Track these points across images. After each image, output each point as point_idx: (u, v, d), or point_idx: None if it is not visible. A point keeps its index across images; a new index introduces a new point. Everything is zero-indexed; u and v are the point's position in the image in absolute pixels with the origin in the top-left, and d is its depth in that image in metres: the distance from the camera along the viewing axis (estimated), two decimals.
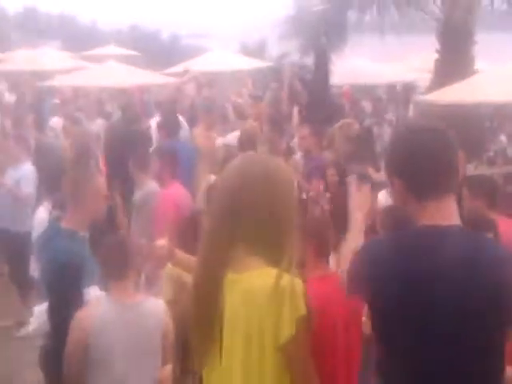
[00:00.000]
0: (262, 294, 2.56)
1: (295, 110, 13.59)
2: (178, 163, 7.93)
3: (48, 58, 21.48)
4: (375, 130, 13.88)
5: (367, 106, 16.56)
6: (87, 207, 4.95)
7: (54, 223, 5.48)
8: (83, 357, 4.40)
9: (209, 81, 16.66)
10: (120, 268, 4.49)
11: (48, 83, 17.27)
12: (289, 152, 9.68)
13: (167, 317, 4.40)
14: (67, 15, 46.90)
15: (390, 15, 15.89)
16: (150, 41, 40.51)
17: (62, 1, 47.47)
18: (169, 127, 10.10)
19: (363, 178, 3.63)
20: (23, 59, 21.37)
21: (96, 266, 4.91)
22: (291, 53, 20.14)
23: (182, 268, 4.07)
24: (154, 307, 4.51)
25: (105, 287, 4.76)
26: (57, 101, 15.44)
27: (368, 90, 18.64)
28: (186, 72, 17.33)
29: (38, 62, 20.52)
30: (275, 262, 2.61)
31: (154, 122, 11.83)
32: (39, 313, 5.02)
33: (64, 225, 5.02)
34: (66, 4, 47.92)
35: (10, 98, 16.80)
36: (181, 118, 11.32)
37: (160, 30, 45.35)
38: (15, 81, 18.76)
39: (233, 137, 10.24)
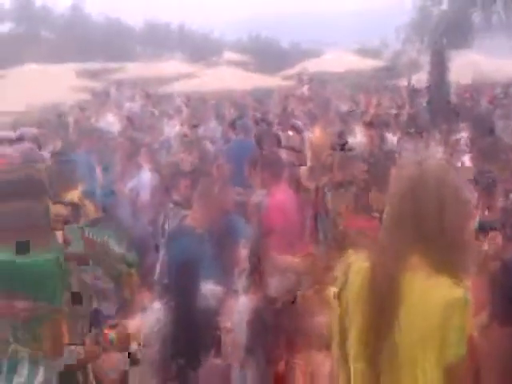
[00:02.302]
0: (439, 302, 2.53)
1: None
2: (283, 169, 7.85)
3: (166, 65, 22.05)
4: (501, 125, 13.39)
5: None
6: (209, 210, 5.26)
7: (180, 221, 5.83)
8: None
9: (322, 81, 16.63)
10: None
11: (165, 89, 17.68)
12: None
13: None
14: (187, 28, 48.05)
15: None
16: (268, 48, 40.88)
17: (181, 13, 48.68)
18: None
19: None
20: (141, 68, 22.01)
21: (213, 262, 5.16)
22: (408, 52, 19.87)
23: None
24: None
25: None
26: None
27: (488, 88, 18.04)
28: (300, 74, 17.44)
29: (155, 70, 21.08)
30: (448, 275, 2.59)
31: None
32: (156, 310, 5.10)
33: (187, 222, 5.37)
34: (185, 15, 49.08)
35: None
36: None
37: (280, 38, 45.74)
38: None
39: None
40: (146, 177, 8.82)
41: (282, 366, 3.91)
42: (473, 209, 2.81)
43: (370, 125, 10.67)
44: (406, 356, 2.58)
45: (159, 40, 42.97)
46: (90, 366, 3.64)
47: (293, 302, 4.02)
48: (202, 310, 4.90)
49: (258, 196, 7.78)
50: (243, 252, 4.99)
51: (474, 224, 2.91)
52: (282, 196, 7.20)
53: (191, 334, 4.87)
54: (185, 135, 11.48)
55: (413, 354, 2.56)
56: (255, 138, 10.78)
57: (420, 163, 2.77)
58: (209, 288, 4.95)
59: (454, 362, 2.51)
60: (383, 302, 2.63)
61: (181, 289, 4.95)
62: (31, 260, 3.41)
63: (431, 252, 2.61)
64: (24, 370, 3.44)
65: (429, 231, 2.61)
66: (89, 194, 7.40)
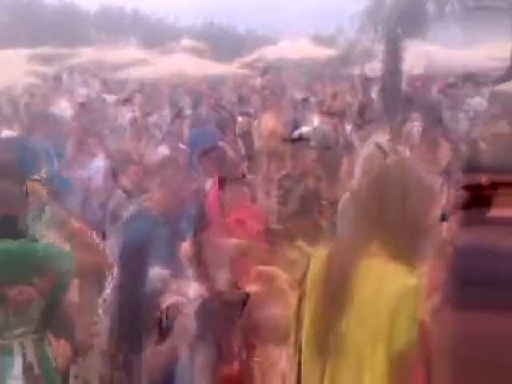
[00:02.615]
0: (392, 291, 2.57)
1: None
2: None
3: (121, 51, 21.84)
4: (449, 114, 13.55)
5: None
6: (170, 195, 5.19)
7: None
8: None
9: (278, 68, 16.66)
10: None
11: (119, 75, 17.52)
12: None
13: None
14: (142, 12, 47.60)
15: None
16: (223, 34, 40.80)
17: None
18: None
19: None
20: (97, 54, 21.77)
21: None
22: (362, 41, 19.97)
23: None
24: None
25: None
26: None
27: (441, 78, 18.23)
28: (255, 62, 17.42)
29: (111, 56, 20.86)
30: (405, 262, 2.64)
31: None
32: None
33: (143, 204, 5.34)
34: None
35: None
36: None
37: (235, 24, 45.68)
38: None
39: None
40: (97, 163, 8.80)
41: (235, 366, 3.87)
42: (437, 195, 2.85)
43: (332, 114, 10.74)
44: (353, 351, 2.63)
45: (113, 24, 42.55)
46: None
47: (244, 304, 3.93)
48: (147, 292, 4.86)
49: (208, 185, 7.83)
50: (187, 243, 5.01)
51: (438, 210, 2.96)
52: None
53: (135, 316, 4.85)
54: (135, 121, 11.47)
55: (361, 351, 2.61)
56: (217, 125, 10.82)
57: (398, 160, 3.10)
58: (155, 271, 4.90)
59: (404, 349, 2.55)
60: (336, 290, 2.68)
61: (129, 271, 4.89)
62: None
63: (391, 239, 2.67)
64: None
65: (391, 217, 2.68)
66: (48, 181, 7.37)
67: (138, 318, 4.87)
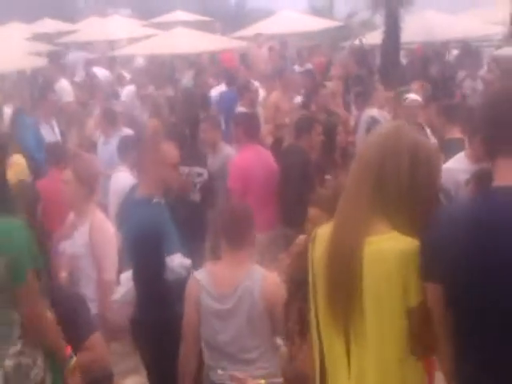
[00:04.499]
0: (391, 256, 2.61)
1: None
2: (255, 128, 7.86)
3: (117, 26, 21.73)
4: (468, 83, 13.61)
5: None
6: (155, 174, 5.05)
7: (130, 192, 5.72)
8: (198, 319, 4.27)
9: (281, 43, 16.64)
10: (236, 237, 4.27)
11: (120, 52, 17.50)
12: None
13: (278, 287, 4.10)
14: None
15: None
16: (217, 4, 40.37)
17: None
18: None
19: None
20: (94, 29, 21.69)
21: (176, 232, 5.04)
22: (360, 11, 19.85)
23: None
24: (263, 277, 4.22)
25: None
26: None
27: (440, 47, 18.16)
28: (257, 36, 17.39)
29: (108, 32, 20.79)
30: (406, 230, 2.65)
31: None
32: (125, 280, 5.16)
33: (140, 192, 5.17)
34: None
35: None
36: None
37: None
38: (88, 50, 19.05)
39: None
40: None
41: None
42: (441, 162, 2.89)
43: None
44: (373, 330, 2.65)
45: None
46: None
47: None
48: (172, 282, 4.84)
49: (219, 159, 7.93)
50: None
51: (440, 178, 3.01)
52: (247, 155, 7.36)
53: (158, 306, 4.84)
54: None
55: (381, 328, 2.64)
56: (238, 90, 10.97)
57: (394, 124, 2.89)
58: (176, 261, 4.89)
59: (418, 305, 2.60)
60: (344, 275, 2.68)
61: (144, 263, 4.89)
62: None
63: (394, 213, 2.66)
64: None
65: (398, 190, 2.66)
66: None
67: (164, 307, 4.83)
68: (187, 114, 9.44)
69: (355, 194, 2.76)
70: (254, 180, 7.16)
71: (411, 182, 2.67)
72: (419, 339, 2.64)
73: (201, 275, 4.30)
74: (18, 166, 7.25)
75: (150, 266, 4.88)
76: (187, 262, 4.94)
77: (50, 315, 3.53)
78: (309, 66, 15.76)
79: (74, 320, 3.86)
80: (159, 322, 4.82)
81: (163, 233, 4.88)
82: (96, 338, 4.02)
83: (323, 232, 2.85)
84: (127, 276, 5.14)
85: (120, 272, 5.32)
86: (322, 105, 9.84)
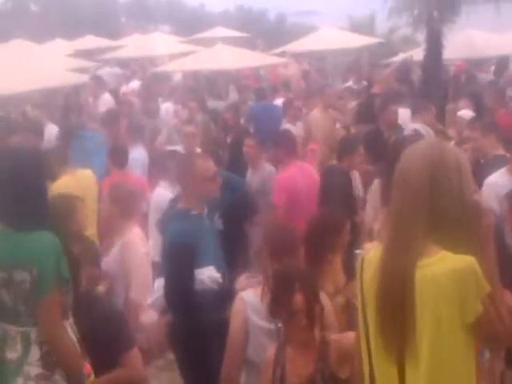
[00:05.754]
0: (444, 278, 2.57)
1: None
2: (295, 145, 7.89)
3: (159, 43, 21.92)
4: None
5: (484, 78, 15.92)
6: (194, 188, 5.08)
7: (171, 204, 5.77)
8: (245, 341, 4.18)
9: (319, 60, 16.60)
10: (285, 254, 4.19)
11: (161, 68, 17.61)
12: None
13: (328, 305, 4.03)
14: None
15: None
16: (257, 21, 40.65)
17: None
18: None
19: None
20: (135, 46, 21.90)
21: (213, 245, 5.09)
22: (401, 28, 19.72)
23: None
24: None
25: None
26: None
27: (482, 64, 17.98)
28: (283, 54, 17.44)
29: (149, 48, 20.98)
30: (459, 248, 2.61)
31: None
32: (158, 287, 5.20)
33: (179, 205, 5.23)
34: None
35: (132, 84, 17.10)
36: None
37: (267, 10, 45.41)
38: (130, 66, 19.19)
39: None
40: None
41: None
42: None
43: None
44: (429, 354, 2.60)
45: (148, 13, 42.58)
46: None
47: None
48: (200, 293, 4.89)
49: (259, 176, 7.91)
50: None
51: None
52: (291, 172, 7.40)
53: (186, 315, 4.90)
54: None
55: (439, 354, 2.60)
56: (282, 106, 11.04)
57: (435, 142, 2.82)
58: (206, 274, 4.93)
59: (474, 321, 2.57)
60: (395, 301, 2.63)
61: (174, 274, 4.94)
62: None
63: (447, 232, 2.62)
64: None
65: (451, 207, 2.63)
66: None
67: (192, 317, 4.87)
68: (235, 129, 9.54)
69: (409, 219, 2.67)
70: (298, 196, 7.22)
71: (460, 196, 2.64)
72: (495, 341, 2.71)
73: (248, 295, 4.24)
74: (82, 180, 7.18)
75: (177, 276, 4.93)
76: (217, 275, 4.98)
77: (70, 335, 3.54)
78: (350, 83, 15.69)
79: (111, 335, 3.89)
80: (185, 329, 4.91)
81: (195, 245, 4.91)
82: (133, 355, 4.04)
83: (372, 256, 2.79)
84: (160, 283, 5.18)
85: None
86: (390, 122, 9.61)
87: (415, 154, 2.74)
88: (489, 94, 11.60)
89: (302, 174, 7.49)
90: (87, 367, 3.62)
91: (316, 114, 10.91)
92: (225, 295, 4.71)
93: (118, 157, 7.79)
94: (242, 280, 4.65)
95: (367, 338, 2.80)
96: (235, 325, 4.18)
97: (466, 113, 9.56)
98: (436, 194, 2.64)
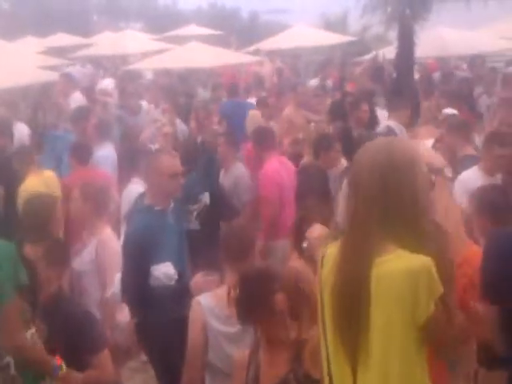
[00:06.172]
0: (399, 276, 2.59)
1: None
2: (275, 140, 8.01)
3: (131, 41, 21.79)
4: (485, 99, 13.42)
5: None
6: (158, 184, 5.12)
7: (137, 200, 5.76)
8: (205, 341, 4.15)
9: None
10: (238, 254, 4.22)
11: (133, 66, 17.49)
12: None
13: None
14: None
15: None
16: (230, 19, 40.59)
17: None
18: None
19: None
20: (107, 43, 21.74)
21: (174, 242, 5.10)
22: (374, 26, 19.76)
23: None
24: None
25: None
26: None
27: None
28: (257, 52, 17.41)
29: (121, 46, 20.83)
30: (413, 247, 2.62)
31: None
32: (117, 281, 5.17)
33: (145, 201, 5.26)
34: None
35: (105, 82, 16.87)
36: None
37: (240, 8, 45.41)
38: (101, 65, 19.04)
39: None
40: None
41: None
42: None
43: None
44: (379, 355, 2.62)
45: (120, 11, 42.33)
46: None
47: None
48: (155, 289, 4.89)
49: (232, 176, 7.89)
50: None
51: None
52: (275, 166, 7.50)
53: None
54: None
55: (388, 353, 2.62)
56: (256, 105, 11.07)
57: (385, 142, 2.80)
58: (162, 270, 4.93)
59: (425, 322, 2.59)
60: (352, 300, 2.64)
61: (129, 268, 4.95)
62: None
63: (402, 230, 2.63)
64: None
65: (403, 207, 2.63)
66: None
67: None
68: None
69: (363, 219, 2.68)
70: (284, 189, 7.37)
71: (412, 195, 2.65)
72: (442, 343, 2.70)
73: (205, 299, 4.19)
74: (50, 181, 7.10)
75: (132, 271, 4.94)
76: (173, 272, 4.97)
77: (34, 340, 3.48)
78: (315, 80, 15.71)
79: (80, 336, 3.87)
80: (142, 325, 4.95)
81: (153, 240, 4.92)
82: (103, 357, 4.01)
83: (330, 253, 2.81)
84: (118, 278, 5.16)
85: None
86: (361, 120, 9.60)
87: (365, 156, 2.76)
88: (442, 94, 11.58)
89: (284, 167, 7.64)
90: (57, 359, 3.58)
91: (289, 112, 10.91)
92: (183, 293, 4.67)
93: (81, 153, 7.68)
94: (197, 278, 4.67)
95: (325, 335, 2.81)
96: (194, 330, 4.14)
97: (451, 111, 9.50)
98: (387, 194, 2.65)
